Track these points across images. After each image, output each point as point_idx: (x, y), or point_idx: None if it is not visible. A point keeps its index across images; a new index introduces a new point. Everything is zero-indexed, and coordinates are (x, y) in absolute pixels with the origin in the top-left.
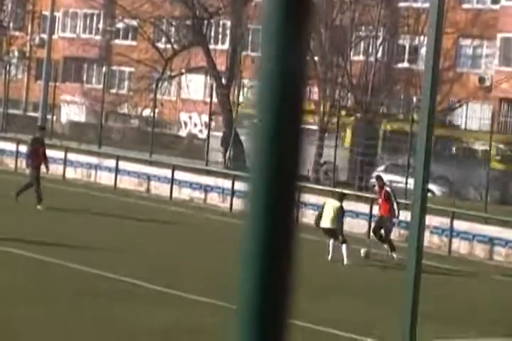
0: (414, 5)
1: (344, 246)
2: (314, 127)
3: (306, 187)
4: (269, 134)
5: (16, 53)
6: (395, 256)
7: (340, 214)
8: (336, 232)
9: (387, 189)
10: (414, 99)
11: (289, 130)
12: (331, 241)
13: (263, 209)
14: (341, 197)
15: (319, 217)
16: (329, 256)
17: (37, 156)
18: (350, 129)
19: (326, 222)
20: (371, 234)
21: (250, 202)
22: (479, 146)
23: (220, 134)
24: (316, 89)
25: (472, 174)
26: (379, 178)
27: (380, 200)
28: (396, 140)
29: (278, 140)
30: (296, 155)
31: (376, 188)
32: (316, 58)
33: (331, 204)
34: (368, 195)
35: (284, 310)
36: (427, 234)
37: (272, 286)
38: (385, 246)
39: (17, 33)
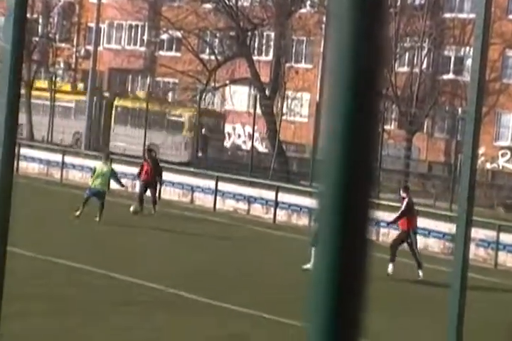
0: (460, 16)
1: None
2: None
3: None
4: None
5: (62, 65)
6: (421, 274)
7: None
8: None
9: (408, 200)
10: (460, 110)
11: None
12: None
13: (335, 226)
14: None
15: None
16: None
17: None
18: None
19: None
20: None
21: (321, 219)
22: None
23: (263, 146)
24: None
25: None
26: (405, 188)
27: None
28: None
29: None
30: (370, 168)
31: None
32: None
33: None
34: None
35: (357, 331)
36: (472, 247)
37: (345, 304)
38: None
39: (63, 45)
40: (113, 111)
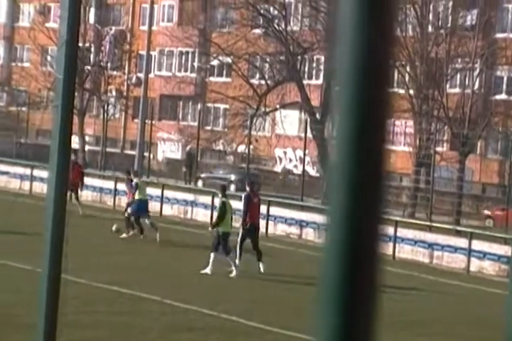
0: None
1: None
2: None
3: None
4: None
5: (114, 92)
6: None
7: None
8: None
9: None
10: None
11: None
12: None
13: (343, 243)
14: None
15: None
16: (207, 270)
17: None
18: None
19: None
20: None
21: (330, 235)
22: None
23: (314, 170)
24: (411, 123)
25: None
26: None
27: None
28: None
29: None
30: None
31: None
32: (411, 91)
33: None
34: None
35: None
36: None
37: (354, 321)
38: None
39: (114, 73)
40: None
